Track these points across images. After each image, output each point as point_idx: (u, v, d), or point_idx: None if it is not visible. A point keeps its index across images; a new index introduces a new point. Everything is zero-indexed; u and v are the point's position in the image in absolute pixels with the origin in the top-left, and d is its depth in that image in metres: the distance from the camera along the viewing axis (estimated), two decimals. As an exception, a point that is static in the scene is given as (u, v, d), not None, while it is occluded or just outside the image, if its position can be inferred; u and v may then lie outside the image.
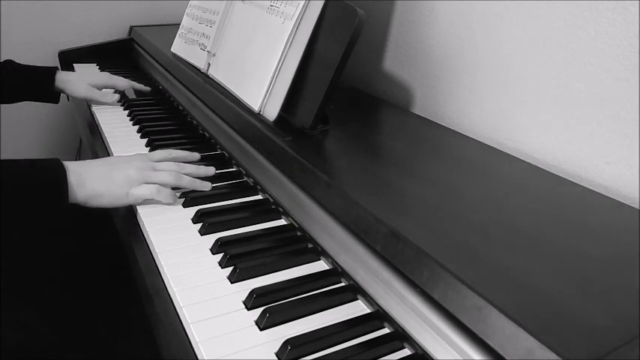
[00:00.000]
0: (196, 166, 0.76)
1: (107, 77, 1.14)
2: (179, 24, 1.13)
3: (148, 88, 1.17)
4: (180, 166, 0.73)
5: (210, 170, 0.76)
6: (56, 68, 1.10)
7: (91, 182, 0.65)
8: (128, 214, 0.70)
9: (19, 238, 0.64)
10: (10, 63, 1.08)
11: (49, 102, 1.12)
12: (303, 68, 0.75)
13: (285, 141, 0.70)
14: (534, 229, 0.52)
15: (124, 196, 0.67)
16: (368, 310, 0.53)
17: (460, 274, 0.43)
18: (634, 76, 0.63)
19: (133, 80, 1.17)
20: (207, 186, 0.73)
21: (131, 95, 1.17)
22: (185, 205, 0.70)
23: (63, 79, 1.10)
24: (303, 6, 0.75)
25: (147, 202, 0.70)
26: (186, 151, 0.78)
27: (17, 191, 0.60)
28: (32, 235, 0.71)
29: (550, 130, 0.74)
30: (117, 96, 1.11)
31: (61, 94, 1.12)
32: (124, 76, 1.30)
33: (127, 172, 0.68)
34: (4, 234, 0.60)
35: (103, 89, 1.13)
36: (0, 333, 0.64)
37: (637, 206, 0.59)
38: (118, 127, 0.98)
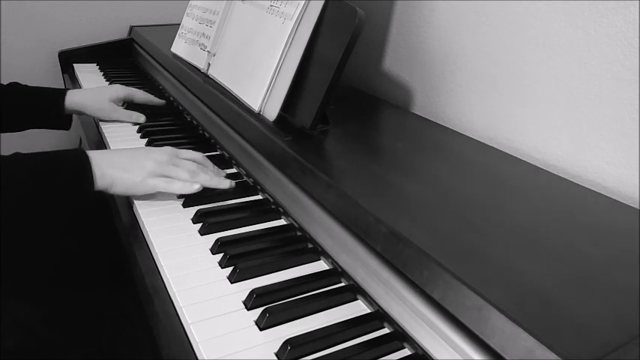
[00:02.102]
0: (218, 170, 0.75)
1: (123, 88, 1.03)
2: (179, 24, 1.13)
3: (162, 101, 1.07)
4: (201, 167, 0.72)
5: (231, 184, 0.74)
6: (66, 89, 1.00)
7: (110, 172, 0.66)
8: (128, 215, 0.71)
9: (45, 230, 0.67)
10: (13, 86, 0.98)
11: (60, 129, 1.01)
12: (303, 68, 0.75)
13: (285, 141, 0.70)
14: (534, 229, 0.52)
15: (136, 184, 0.68)
16: (368, 310, 0.53)
17: (460, 274, 0.43)
18: (634, 76, 0.63)
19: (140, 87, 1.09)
20: (225, 183, 0.72)
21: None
22: (185, 205, 0.70)
23: (77, 99, 0.97)
24: (303, 6, 0.75)
25: (147, 202, 0.70)
26: (217, 170, 0.76)
27: (43, 185, 0.62)
28: (59, 226, 0.74)
29: (550, 130, 0.74)
30: (143, 117, 0.99)
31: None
32: (124, 76, 1.29)
33: (144, 162, 0.69)
34: (29, 226, 0.64)
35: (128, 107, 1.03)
36: (0, 333, 0.64)
37: (637, 206, 0.59)
38: (118, 127, 0.98)
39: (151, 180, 0.68)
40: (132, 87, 1.04)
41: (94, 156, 0.67)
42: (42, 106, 0.97)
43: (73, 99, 0.98)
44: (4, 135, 1.41)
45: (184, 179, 0.69)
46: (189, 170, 0.70)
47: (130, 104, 1.03)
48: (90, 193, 0.65)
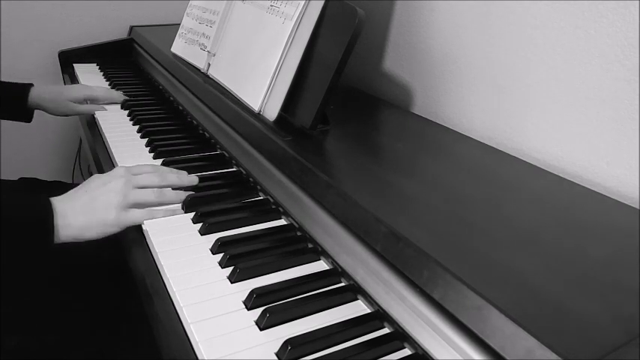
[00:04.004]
0: (179, 176, 0.72)
1: (85, 89, 1.08)
2: (179, 24, 1.13)
3: (124, 97, 1.11)
4: (162, 177, 0.70)
5: (194, 180, 0.73)
6: (31, 85, 1.06)
7: (75, 221, 0.62)
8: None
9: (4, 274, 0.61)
10: None
11: (21, 121, 1.07)
12: (303, 68, 0.75)
13: (285, 141, 0.70)
14: (534, 229, 0.52)
15: (111, 225, 0.64)
16: (368, 310, 0.53)
17: (460, 274, 0.43)
18: (634, 76, 0.63)
19: (127, 84, 1.16)
20: (182, 196, 0.70)
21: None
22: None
23: (39, 97, 1.04)
24: (303, 6, 0.75)
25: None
26: (175, 170, 0.74)
27: (3, 231, 0.58)
28: (15, 274, 0.67)
29: (550, 130, 0.74)
30: (104, 108, 1.06)
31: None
32: (124, 76, 1.30)
33: (107, 197, 0.64)
34: None
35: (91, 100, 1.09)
36: (0, 334, 0.64)
37: (637, 206, 0.59)
38: (118, 127, 0.98)
39: (124, 216, 0.64)
40: (94, 87, 1.10)
41: (59, 206, 0.62)
42: (6, 100, 1.03)
43: (34, 96, 1.04)
44: (7, 132, 1.41)
45: (151, 201, 0.67)
46: (153, 191, 0.68)
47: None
48: (49, 247, 0.61)
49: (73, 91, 1.07)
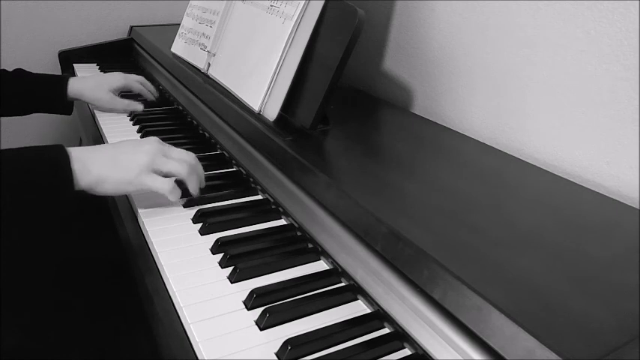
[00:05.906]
0: (201, 181, 0.71)
1: (123, 78, 1.06)
2: (179, 24, 1.13)
3: (153, 97, 1.11)
4: (195, 163, 0.69)
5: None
6: (68, 76, 1.04)
7: (95, 168, 0.61)
8: (128, 215, 0.70)
9: (24, 230, 0.61)
10: (19, 72, 1.02)
11: (61, 113, 1.04)
12: (303, 68, 0.75)
13: (285, 141, 0.70)
14: (534, 229, 0.52)
15: (129, 182, 0.63)
16: (368, 310, 0.53)
17: (460, 274, 0.43)
18: (634, 76, 0.63)
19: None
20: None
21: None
22: (185, 205, 0.70)
23: (78, 87, 1.01)
24: (303, 6, 0.75)
25: (147, 202, 0.70)
26: (202, 177, 0.72)
27: (19, 182, 0.57)
28: (38, 226, 0.68)
29: (550, 130, 0.74)
30: (141, 106, 1.04)
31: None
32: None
33: (135, 156, 0.63)
34: (8, 226, 0.57)
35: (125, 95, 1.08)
36: (0, 334, 0.64)
37: (637, 206, 0.59)
38: (118, 127, 0.98)
39: (146, 177, 0.63)
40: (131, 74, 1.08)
41: (75, 151, 0.61)
42: (45, 92, 1.01)
43: (73, 87, 1.01)
44: (7, 132, 1.41)
45: (180, 173, 0.66)
46: (183, 161, 0.66)
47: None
48: (69, 191, 0.59)
49: (112, 79, 1.04)
